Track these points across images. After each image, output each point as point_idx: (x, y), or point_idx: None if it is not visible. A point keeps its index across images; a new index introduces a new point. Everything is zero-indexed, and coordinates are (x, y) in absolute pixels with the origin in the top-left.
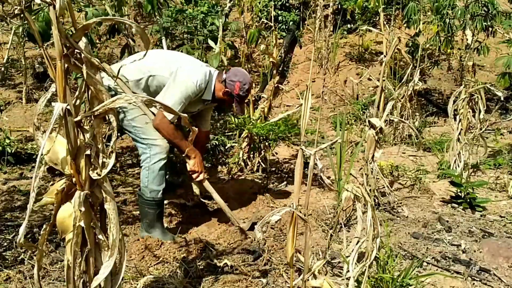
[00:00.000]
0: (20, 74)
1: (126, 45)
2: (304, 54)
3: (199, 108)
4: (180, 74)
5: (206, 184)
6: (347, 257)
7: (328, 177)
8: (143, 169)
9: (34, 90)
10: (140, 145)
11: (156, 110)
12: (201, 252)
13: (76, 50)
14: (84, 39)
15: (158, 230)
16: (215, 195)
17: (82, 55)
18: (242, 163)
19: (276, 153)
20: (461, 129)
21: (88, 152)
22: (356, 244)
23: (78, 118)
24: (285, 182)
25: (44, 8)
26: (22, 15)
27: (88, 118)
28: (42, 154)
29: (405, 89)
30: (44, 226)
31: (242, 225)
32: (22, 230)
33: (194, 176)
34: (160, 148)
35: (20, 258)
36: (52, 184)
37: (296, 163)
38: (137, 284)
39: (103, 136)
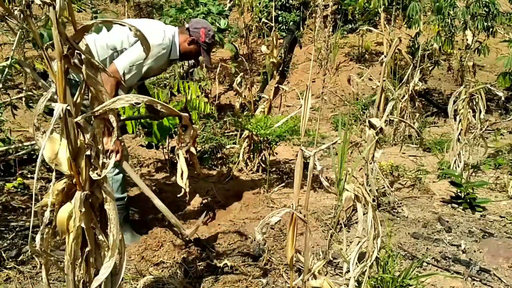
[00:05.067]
0: (20, 75)
1: None
2: (304, 54)
3: (167, 69)
4: (145, 32)
5: (146, 189)
6: (348, 257)
7: (328, 178)
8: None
9: (34, 91)
10: None
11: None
12: (201, 252)
13: (75, 51)
14: (84, 40)
15: (127, 233)
16: (156, 200)
17: (82, 55)
18: (242, 163)
19: (277, 153)
20: (461, 129)
21: (88, 152)
22: (357, 244)
23: (78, 118)
24: (285, 183)
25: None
26: (22, 16)
27: (88, 118)
28: (42, 155)
29: (406, 89)
30: (47, 230)
31: (185, 231)
32: (38, 237)
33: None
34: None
35: (20, 258)
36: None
37: (296, 164)
38: (137, 285)
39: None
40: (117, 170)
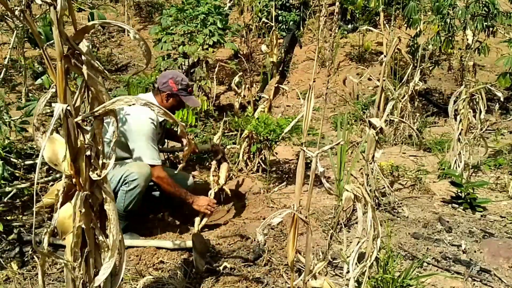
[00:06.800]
0: (20, 75)
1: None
2: (304, 54)
3: (163, 130)
4: (130, 122)
5: (168, 243)
6: (348, 257)
7: (328, 178)
8: (121, 191)
9: (33, 91)
10: (118, 168)
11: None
12: None
13: (76, 51)
14: (85, 41)
15: (126, 234)
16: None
17: (83, 56)
18: (242, 164)
19: (277, 153)
20: (462, 129)
21: (88, 153)
22: (357, 244)
23: (79, 119)
24: (285, 183)
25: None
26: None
27: (88, 119)
28: (42, 155)
29: (406, 89)
30: (45, 230)
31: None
32: (46, 239)
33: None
34: (139, 174)
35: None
36: (52, 185)
37: (297, 164)
38: (137, 285)
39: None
40: (133, 185)
